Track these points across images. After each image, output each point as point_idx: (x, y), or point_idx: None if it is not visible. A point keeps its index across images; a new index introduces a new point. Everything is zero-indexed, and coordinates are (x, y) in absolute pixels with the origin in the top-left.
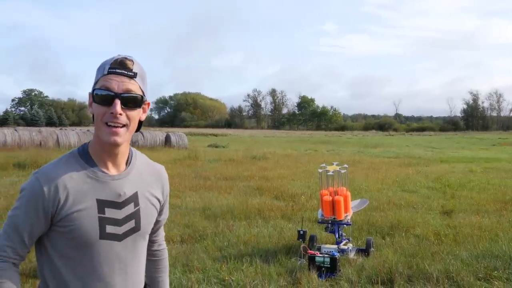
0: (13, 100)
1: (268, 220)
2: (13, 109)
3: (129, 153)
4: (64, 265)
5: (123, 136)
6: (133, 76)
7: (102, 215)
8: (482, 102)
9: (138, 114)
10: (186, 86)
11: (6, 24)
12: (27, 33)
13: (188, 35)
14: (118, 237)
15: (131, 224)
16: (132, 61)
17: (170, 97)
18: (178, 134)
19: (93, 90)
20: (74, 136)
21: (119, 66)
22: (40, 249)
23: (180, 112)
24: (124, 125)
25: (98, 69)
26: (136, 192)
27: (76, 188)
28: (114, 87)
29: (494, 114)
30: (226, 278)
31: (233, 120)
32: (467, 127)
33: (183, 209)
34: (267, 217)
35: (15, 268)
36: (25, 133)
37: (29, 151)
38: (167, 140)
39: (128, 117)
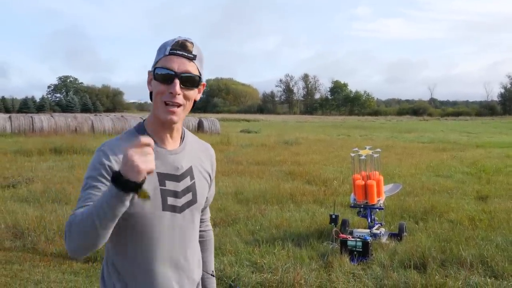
0: (49, 87)
1: (300, 204)
2: (49, 95)
3: (181, 131)
4: (130, 238)
5: (179, 115)
6: (193, 58)
7: (163, 187)
8: None
9: (194, 94)
10: (219, 72)
11: (42, 11)
12: (62, 20)
13: (222, 20)
14: (178, 209)
15: (188, 196)
16: (192, 43)
17: None
18: (210, 120)
19: (154, 68)
20: (108, 122)
21: (180, 48)
22: None
23: (212, 97)
24: (180, 105)
25: (159, 49)
26: (191, 167)
27: None
28: (174, 67)
29: None
30: (258, 261)
31: (265, 105)
32: (504, 112)
33: (215, 193)
34: (299, 201)
35: None
36: (61, 119)
37: (65, 136)
38: (200, 125)
39: (185, 97)
